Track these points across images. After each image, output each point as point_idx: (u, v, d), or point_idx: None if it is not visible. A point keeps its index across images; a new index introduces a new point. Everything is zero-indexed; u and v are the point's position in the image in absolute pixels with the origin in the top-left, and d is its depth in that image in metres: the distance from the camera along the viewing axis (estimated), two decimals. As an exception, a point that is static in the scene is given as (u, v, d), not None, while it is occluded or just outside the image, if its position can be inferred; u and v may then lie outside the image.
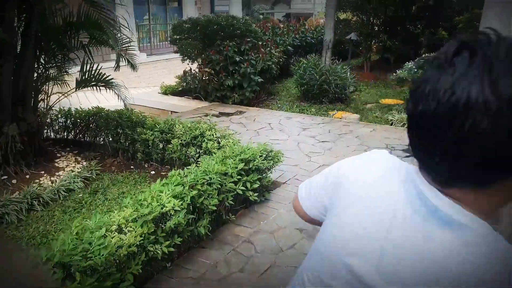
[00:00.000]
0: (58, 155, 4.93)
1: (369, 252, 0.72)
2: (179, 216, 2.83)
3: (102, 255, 2.31)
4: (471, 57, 0.59)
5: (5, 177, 4.17)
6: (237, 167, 3.49)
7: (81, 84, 4.46)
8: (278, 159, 4.01)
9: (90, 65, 4.49)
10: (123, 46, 4.82)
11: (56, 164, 4.64)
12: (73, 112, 5.25)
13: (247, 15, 21.88)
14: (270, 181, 4.06)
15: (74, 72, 4.98)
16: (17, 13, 4.05)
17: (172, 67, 12.28)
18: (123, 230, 2.65)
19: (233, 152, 3.72)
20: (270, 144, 4.18)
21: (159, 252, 2.73)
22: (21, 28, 4.22)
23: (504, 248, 0.63)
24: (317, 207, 0.92)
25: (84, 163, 4.83)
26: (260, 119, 6.99)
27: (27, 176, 4.26)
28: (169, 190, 2.94)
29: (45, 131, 5.27)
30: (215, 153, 3.98)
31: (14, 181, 4.18)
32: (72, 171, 4.56)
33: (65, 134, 5.45)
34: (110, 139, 5.06)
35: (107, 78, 4.59)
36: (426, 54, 7.25)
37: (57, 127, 5.41)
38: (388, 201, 0.73)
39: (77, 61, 4.81)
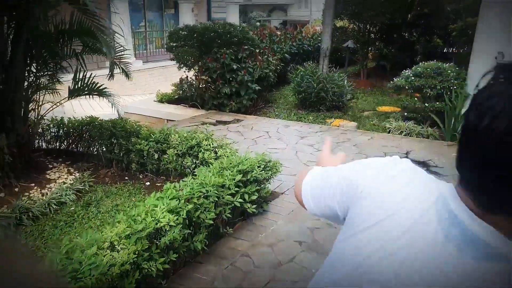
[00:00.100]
0: (50, 166, 4.79)
1: (394, 284, 0.66)
2: (174, 232, 2.71)
3: (93, 275, 2.19)
4: None
5: (-7, 190, 4.04)
6: (234, 179, 3.38)
7: (74, 93, 4.35)
8: (276, 169, 3.91)
9: (83, 73, 4.37)
10: (117, 54, 4.71)
11: (48, 176, 4.50)
12: (66, 122, 5.13)
13: (244, 22, 21.90)
14: (268, 192, 3.95)
15: (67, 80, 4.86)
16: (6, 19, 3.94)
17: (169, 74, 12.19)
18: (115, 248, 2.54)
19: (230, 163, 3.61)
20: (268, 153, 4.08)
21: (153, 269, 2.61)
22: (11, 35, 4.10)
23: None
24: (323, 211, 0.88)
25: (77, 174, 4.70)
26: (257, 128, 6.89)
27: (16, 189, 4.13)
28: (164, 205, 2.82)
29: (36, 141, 5.14)
30: (212, 164, 3.87)
31: (2, 194, 4.04)
32: (64, 183, 4.43)
33: (58, 144, 5.32)
34: (104, 149, 4.93)
35: (100, 87, 4.48)
36: (423, 62, 7.18)
37: (49, 137, 5.27)
38: (417, 224, 0.66)
39: (70, 69, 4.71)
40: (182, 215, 2.80)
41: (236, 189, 3.37)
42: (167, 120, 7.83)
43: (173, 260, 2.78)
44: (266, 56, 8.40)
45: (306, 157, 5.51)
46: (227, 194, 3.27)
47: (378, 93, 9.74)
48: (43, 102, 4.61)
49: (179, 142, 4.36)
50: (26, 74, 4.33)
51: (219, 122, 7.21)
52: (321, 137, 6.37)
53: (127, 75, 5.17)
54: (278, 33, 11.87)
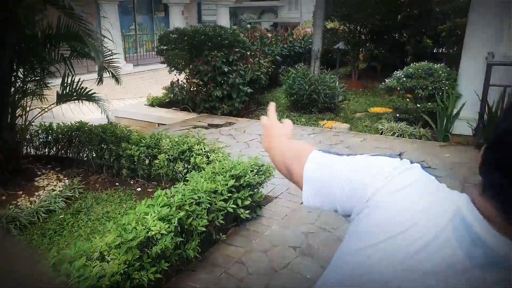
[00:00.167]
0: (39, 173, 4.70)
1: None
2: (165, 240, 2.65)
3: (82, 288, 2.12)
4: None
5: (-21, 199, 3.94)
6: (227, 184, 3.33)
7: (62, 98, 4.27)
8: (270, 173, 3.86)
9: (71, 78, 4.29)
10: (106, 58, 4.64)
11: (36, 183, 4.41)
12: (55, 127, 5.03)
13: (235, 24, 21.85)
14: (262, 196, 3.90)
15: (56, 85, 4.77)
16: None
17: (159, 77, 12.10)
18: (105, 258, 2.47)
19: (223, 168, 3.56)
20: (261, 157, 4.02)
21: (145, 279, 2.54)
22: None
23: None
24: (319, 203, 0.83)
25: (67, 181, 4.62)
26: (250, 130, 6.84)
27: (3, 198, 4.03)
28: (155, 212, 2.76)
29: (25, 148, 5.03)
30: (204, 169, 3.81)
31: (-12, 203, 3.95)
32: (53, 190, 4.35)
33: (46, 150, 5.22)
34: (94, 155, 4.85)
35: (89, 92, 4.40)
36: (414, 63, 7.20)
37: (37, 143, 5.18)
38: (434, 243, 0.61)
39: (58, 74, 4.61)
40: (174, 223, 2.74)
41: (229, 194, 3.31)
42: (158, 124, 7.75)
43: (165, 269, 2.72)
44: (257, 59, 8.36)
45: (299, 160, 5.46)
46: (220, 200, 3.21)
47: (370, 94, 9.75)
48: (31, 108, 4.51)
49: (170, 147, 4.29)
50: (13, 80, 4.24)
51: (211, 126, 7.15)
52: (314, 139, 6.34)
53: (116, 79, 5.09)
54: (269, 35, 11.84)
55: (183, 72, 8.19)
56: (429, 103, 6.55)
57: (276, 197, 4.27)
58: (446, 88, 6.37)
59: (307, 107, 7.99)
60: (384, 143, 6.05)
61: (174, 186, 3.19)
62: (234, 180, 3.40)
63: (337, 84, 8.17)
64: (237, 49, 7.75)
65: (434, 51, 12.64)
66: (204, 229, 2.97)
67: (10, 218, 3.62)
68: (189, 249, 2.91)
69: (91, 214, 4.03)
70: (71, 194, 4.28)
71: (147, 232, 2.62)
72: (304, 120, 7.60)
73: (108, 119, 4.93)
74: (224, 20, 16.53)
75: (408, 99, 7.01)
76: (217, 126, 7.13)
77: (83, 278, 2.24)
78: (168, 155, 4.26)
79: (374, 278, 0.67)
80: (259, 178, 3.70)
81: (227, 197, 3.27)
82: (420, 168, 0.72)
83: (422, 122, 6.69)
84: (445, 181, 0.71)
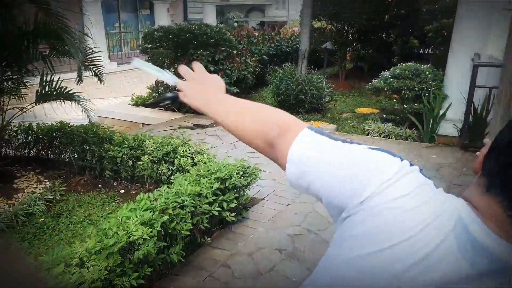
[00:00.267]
0: (18, 174, 4.56)
1: None
2: (148, 245, 2.57)
3: (59, 297, 2.03)
4: None
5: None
6: (212, 187, 3.26)
7: (41, 98, 4.13)
8: (256, 175, 3.80)
9: (51, 77, 4.15)
10: (88, 56, 4.52)
11: (15, 185, 4.28)
12: (34, 128, 4.89)
13: (221, 23, 21.75)
14: (248, 198, 3.84)
15: (36, 84, 4.62)
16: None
17: (145, 76, 11.93)
18: (85, 264, 2.38)
19: (208, 170, 3.49)
20: (247, 158, 3.97)
21: (127, 285, 2.47)
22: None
23: None
24: (308, 188, 0.74)
25: (47, 183, 4.49)
26: (236, 131, 6.76)
27: (-20, 201, 3.90)
28: (137, 217, 2.68)
29: (3, 148, 4.88)
30: (189, 170, 3.74)
31: (-36, 207, 3.82)
32: (33, 193, 4.22)
33: (26, 151, 5.07)
34: (76, 156, 4.73)
35: (70, 92, 4.27)
36: (401, 63, 7.22)
37: (16, 144, 5.02)
38: (436, 252, 0.59)
39: (39, 73, 4.47)
40: (157, 227, 2.66)
41: (214, 197, 3.24)
42: (142, 124, 7.63)
43: (148, 274, 2.64)
44: (244, 58, 8.30)
45: (286, 161, 5.42)
46: (205, 203, 3.14)
47: (357, 95, 9.77)
48: (8, 108, 4.37)
49: (154, 148, 4.20)
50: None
51: (196, 126, 7.05)
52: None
53: (99, 78, 4.97)
54: (256, 34, 11.78)
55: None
56: (416, 104, 6.58)
57: (262, 199, 4.22)
58: (433, 89, 6.40)
59: (294, 107, 7.95)
60: (370, 144, 6.02)
61: (157, 189, 3.12)
62: (219, 182, 3.33)
63: (324, 84, 8.14)
64: (223, 48, 7.68)
65: (421, 51, 12.75)
66: (188, 233, 2.90)
67: (-14, 222, 3.50)
68: (173, 254, 2.84)
69: (72, 217, 3.93)
70: (52, 197, 4.17)
71: (129, 237, 2.55)
72: (291, 120, 7.55)
73: (89, 119, 4.81)
74: (210, 18, 16.41)
75: (395, 100, 7.03)
76: (202, 126, 7.03)
77: (61, 286, 2.16)
78: (152, 157, 4.17)
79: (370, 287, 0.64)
80: (245, 180, 3.64)
81: (212, 200, 3.21)
82: (419, 172, 0.68)
83: (409, 123, 6.71)
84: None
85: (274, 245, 3.38)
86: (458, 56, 5.97)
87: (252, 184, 3.82)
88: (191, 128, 6.85)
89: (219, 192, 3.34)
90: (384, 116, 7.12)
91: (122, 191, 4.43)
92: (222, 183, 3.40)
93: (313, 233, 3.53)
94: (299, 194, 4.17)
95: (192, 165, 3.95)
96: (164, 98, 1.27)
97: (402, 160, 0.68)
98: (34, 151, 5.09)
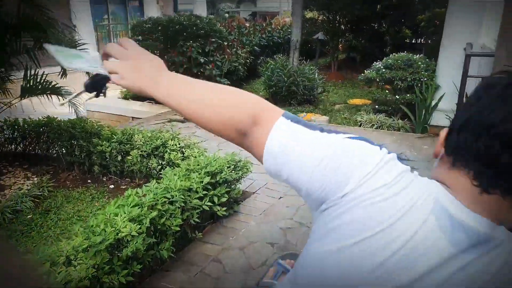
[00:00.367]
0: (4, 171, 4.47)
1: None
2: (137, 242, 2.52)
3: (44, 297, 1.97)
4: None
5: None
6: (202, 181, 3.20)
7: (26, 92, 4.03)
8: (247, 169, 3.76)
9: (35, 71, 4.05)
10: (76, 48, 4.41)
11: (2, 182, 4.19)
12: (21, 123, 4.79)
13: (212, 14, 21.53)
14: (239, 192, 3.79)
15: (21, 78, 4.52)
16: None
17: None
18: (72, 263, 2.33)
19: (198, 165, 3.43)
20: (238, 152, 3.91)
21: (115, 282, 2.42)
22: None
23: None
24: (287, 179, 0.72)
25: (35, 179, 4.41)
26: (227, 123, 6.70)
27: (-35, 198, 3.82)
28: (125, 213, 2.62)
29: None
30: (179, 165, 3.68)
31: (-52, 205, 3.73)
32: (20, 189, 4.15)
33: (13, 147, 4.97)
34: (64, 151, 4.64)
35: (55, 86, 4.17)
36: (393, 54, 7.17)
37: (2, 140, 4.91)
38: (419, 234, 0.63)
39: (28, 66, 4.34)
40: (145, 223, 2.61)
41: (205, 192, 3.19)
42: (132, 117, 7.53)
43: (138, 271, 2.59)
44: (235, 49, 8.21)
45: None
46: (195, 198, 3.09)
47: (349, 86, 9.73)
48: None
49: (143, 143, 4.13)
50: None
51: (187, 119, 6.96)
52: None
53: (87, 71, 4.86)
54: (247, 24, 11.65)
55: (158, 63, 7.97)
56: (408, 95, 6.55)
57: (254, 192, 4.18)
58: (425, 79, 6.37)
59: (286, 99, 7.90)
60: (363, 135, 6.01)
61: (146, 184, 3.06)
62: (209, 177, 3.28)
63: (316, 76, 8.09)
64: (213, 39, 7.58)
65: (413, 41, 12.71)
66: (178, 228, 2.85)
67: (-29, 220, 3.42)
68: (163, 250, 2.79)
69: (61, 214, 3.87)
70: (40, 193, 4.09)
71: (117, 234, 2.49)
72: (283, 112, 7.50)
73: (76, 114, 4.72)
74: (201, 9, 16.23)
75: (387, 91, 6.99)
76: (194, 119, 6.95)
77: (48, 285, 2.10)
78: (141, 151, 4.10)
79: (354, 278, 0.65)
80: (236, 174, 3.59)
81: (202, 195, 3.15)
82: (396, 159, 0.70)
83: (401, 114, 6.69)
84: (424, 173, 0.71)
85: (266, 238, 3.35)
86: (451, 46, 5.93)
87: (243, 177, 3.78)
88: (182, 122, 6.77)
89: (209, 187, 3.28)
90: (376, 107, 7.09)
91: (112, 186, 4.36)
92: (213, 177, 3.34)
93: (305, 226, 3.50)
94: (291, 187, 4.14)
95: (182, 159, 3.89)
96: (88, 86, 0.84)
97: (381, 149, 0.70)
98: (21, 146, 4.99)
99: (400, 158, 0.70)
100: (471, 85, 5.34)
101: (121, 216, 2.60)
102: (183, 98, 0.77)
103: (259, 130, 0.72)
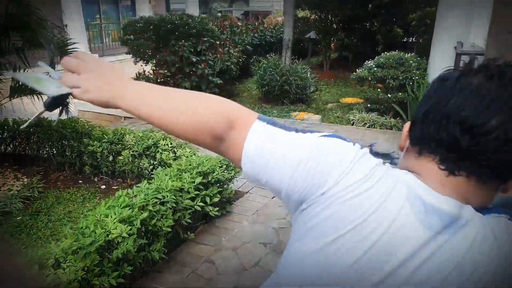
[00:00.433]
0: (-6, 172, 4.42)
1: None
2: (127, 244, 2.49)
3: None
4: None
5: None
6: (194, 182, 3.18)
7: (15, 93, 3.98)
8: (239, 168, 3.73)
9: (24, 70, 4.00)
10: (63, 48, 4.36)
11: (-9, 183, 4.14)
12: (11, 123, 4.73)
13: (205, 13, 21.45)
14: (231, 192, 3.77)
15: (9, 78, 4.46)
16: None
17: (127, 68, 11.70)
18: (61, 265, 2.30)
19: (190, 164, 3.40)
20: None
21: (106, 284, 2.39)
22: None
23: None
24: (266, 183, 0.73)
25: (25, 179, 4.36)
26: (220, 123, 6.68)
27: (-47, 200, 3.76)
28: (115, 214, 2.59)
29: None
30: (171, 165, 3.65)
31: None
32: (10, 190, 4.10)
33: (3, 147, 4.91)
34: (55, 151, 4.59)
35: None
36: (385, 52, 7.19)
37: (-8, 140, 4.86)
38: (396, 222, 0.65)
39: (17, 66, 4.28)
40: (136, 224, 2.58)
41: (196, 192, 3.17)
42: (124, 117, 7.47)
43: (129, 272, 2.57)
44: (227, 48, 8.17)
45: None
46: (186, 198, 3.07)
47: (341, 85, 9.74)
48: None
49: (135, 143, 4.10)
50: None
51: (179, 118, 6.93)
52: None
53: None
54: (239, 24, 11.62)
55: (149, 62, 7.92)
56: (400, 93, 6.57)
57: (246, 192, 4.16)
58: (417, 77, 6.40)
59: (279, 98, 7.89)
60: (355, 134, 6.03)
61: (137, 185, 3.03)
62: (201, 177, 3.26)
63: (308, 75, 8.10)
64: (205, 38, 7.54)
65: (405, 40, 12.76)
66: (169, 229, 2.83)
67: (-41, 222, 3.37)
68: (154, 251, 2.76)
69: (51, 215, 3.83)
70: (30, 194, 4.05)
71: (107, 236, 2.46)
72: (276, 112, 7.49)
73: (66, 114, 4.66)
74: (193, 8, 16.17)
75: (379, 89, 7.01)
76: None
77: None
78: (133, 151, 4.07)
79: (334, 276, 0.67)
80: (228, 174, 3.57)
81: (194, 195, 3.13)
82: (369, 153, 0.72)
83: (393, 112, 6.70)
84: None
85: (258, 239, 3.34)
86: (441, 44, 5.97)
87: (236, 177, 3.76)
88: (174, 121, 6.74)
89: (201, 187, 3.26)
90: (368, 105, 7.11)
91: (103, 186, 4.32)
92: (205, 177, 3.32)
93: (298, 226, 3.49)
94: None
95: (174, 159, 3.87)
96: (50, 105, 0.77)
97: (354, 145, 0.71)
98: (11, 147, 4.93)
99: (391, 158, 0.73)
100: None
101: (111, 217, 2.58)
102: (156, 106, 0.75)
103: (236, 134, 0.72)
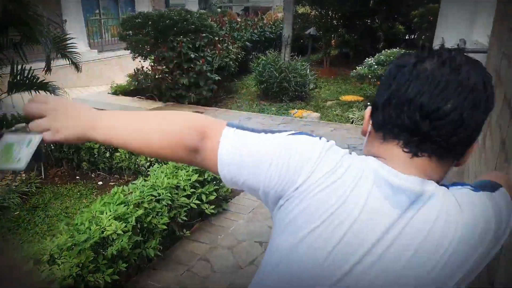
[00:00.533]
0: (-9, 167, 4.41)
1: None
2: (122, 241, 2.50)
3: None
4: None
5: None
6: (190, 179, 3.19)
7: (13, 88, 3.97)
8: (236, 166, 3.73)
9: (22, 66, 3.99)
10: (62, 43, 4.35)
11: (-12, 179, 4.15)
12: (9, 118, 4.72)
13: (205, 8, 21.37)
14: (228, 190, 3.77)
15: (7, 73, 4.45)
16: None
17: (126, 64, 11.65)
18: (56, 261, 2.30)
19: (186, 162, 3.40)
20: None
21: (100, 281, 2.40)
22: None
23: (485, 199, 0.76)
24: (242, 185, 0.76)
25: (23, 175, 4.36)
26: (218, 120, 6.66)
27: (-50, 195, 3.77)
28: (110, 211, 2.60)
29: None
30: (167, 162, 3.65)
31: None
32: (8, 185, 4.10)
33: (0, 143, 4.91)
34: (52, 147, 4.60)
35: (43, 81, 4.11)
36: (386, 50, 7.17)
37: (-10, 136, 4.85)
38: (367, 205, 0.70)
39: (15, 61, 4.27)
40: (131, 221, 2.59)
41: (192, 190, 3.18)
42: (123, 113, 7.46)
43: (123, 269, 2.57)
44: (226, 44, 8.14)
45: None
46: (182, 196, 3.07)
47: (341, 82, 9.71)
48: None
49: (132, 139, 4.09)
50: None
51: (178, 115, 6.90)
52: (284, 129, 6.24)
53: (76, 66, 4.81)
54: (239, 20, 11.57)
55: (148, 58, 7.89)
56: (399, 91, 6.54)
57: (243, 190, 4.15)
58: (416, 76, 6.36)
59: (278, 95, 7.87)
60: (354, 133, 6.02)
61: (133, 182, 3.03)
62: (197, 174, 3.26)
63: (308, 72, 8.07)
64: (204, 34, 7.50)
65: (407, 37, 12.70)
66: (165, 227, 2.83)
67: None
68: (149, 248, 2.77)
69: (48, 210, 3.85)
70: (28, 189, 4.06)
71: (102, 233, 2.47)
72: (274, 109, 7.48)
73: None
74: (193, 4, 16.10)
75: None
76: (184, 115, 6.90)
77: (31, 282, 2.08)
78: (130, 148, 4.07)
79: (314, 268, 0.70)
80: (224, 171, 3.57)
81: (190, 193, 3.14)
82: (335, 145, 0.76)
83: (392, 110, 6.68)
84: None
85: (254, 237, 3.34)
86: (444, 42, 5.92)
87: (232, 175, 3.75)
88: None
89: (197, 184, 3.27)
90: (368, 104, 7.07)
91: (100, 182, 4.33)
92: (201, 175, 3.32)
93: (294, 224, 3.49)
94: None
95: (171, 156, 3.86)
96: (27, 168, 0.74)
97: (320, 139, 0.75)
98: (9, 142, 4.92)
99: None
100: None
101: (106, 214, 2.58)
102: (128, 132, 0.77)
103: (208, 143, 0.75)
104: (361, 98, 7.82)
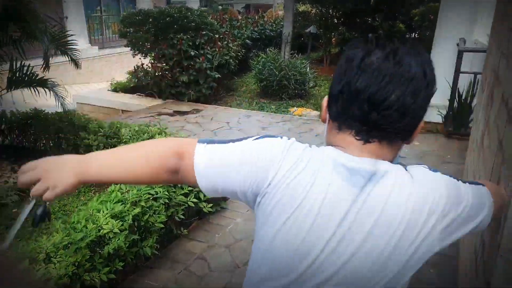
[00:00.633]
0: (-10, 164, 4.41)
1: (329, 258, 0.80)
2: (119, 239, 2.49)
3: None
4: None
5: None
6: (188, 177, 3.17)
7: (12, 84, 3.97)
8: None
9: (21, 62, 3.98)
10: (61, 40, 4.34)
11: (-14, 176, 4.14)
12: (8, 115, 4.73)
13: (206, 6, 21.32)
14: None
15: (6, 70, 4.44)
16: None
17: (126, 61, 11.66)
18: (52, 259, 2.30)
19: (184, 160, 3.39)
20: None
21: (97, 280, 2.39)
22: None
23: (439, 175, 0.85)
24: (223, 192, 0.88)
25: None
26: (218, 118, 6.65)
27: None
28: (107, 209, 2.59)
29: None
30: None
31: None
32: (6, 182, 4.09)
33: (0, 139, 4.91)
34: (51, 144, 4.60)
35: (42, 78, 4.10)
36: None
37: (-11, 132, 4.85)
38: (330, 192, 0.79)
39: (14, 58, 4.26)
40: (128, 220, 2.58)
41: (190, 188, 3.16)
42: (122, 110, 7.45)
43: (120, 268, 2.57)
44: (226, 42, 8.12)
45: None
46: (180, 194, 3.06)
47: (341, 80, 9.67)
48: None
49: (130, 137, 4.09)
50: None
51: (176, 113, 6.89)
52: (283, 127, 6.23)
53: (76, 63, 4.80)
54: (239, 17, 11.54)
55: (148, 56, 7.87)
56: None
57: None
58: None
59: (278, 93, 7.86)
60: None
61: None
62: (196, 172, 3.25)
63: (308, 70, 8.06)
64: (204, 32, 7.49)
65: (407, 36, 12.65)
66: (162, 225, 2.83)
67: (-47, 215, 3.38)
68: (146, 247, 2.76)
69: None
70: (26, 187, 4.04)
71: (99, 231, 2.47)
72: (274, 107, 7.47)
73: (63, 107, 4.66)
74: (194, 1, 16.08)
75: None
76: (183, 113, 6.89)
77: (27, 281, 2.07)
78: (128, 145, 4.06)
79: (297, 249, 0.80)
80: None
81: (187, 191, 3.13)
82: (296, 142, 0.86)
83: (392, 109, 6.65)
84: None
85: (252, 236, 3.26)
86: (444, 41, 5.89)
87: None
88: (171, 115, 6.71)
89: (195, 182, 3.25)
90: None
91: (99, 180, 4.33)
92: (199, 173, 3.31)
93: (291, 223, 3.48)
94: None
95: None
96: (36, 220, 0.98)
97: (281, 138, 0.86)
98: (8, 139, 4.93)
99: None
100: (464, 81, 5.31)
101: (103, 212, 2.58)
102: (116, 168, 0.89)
103: (185, 161, 0.86)
104: (361, 97, 7.80)
